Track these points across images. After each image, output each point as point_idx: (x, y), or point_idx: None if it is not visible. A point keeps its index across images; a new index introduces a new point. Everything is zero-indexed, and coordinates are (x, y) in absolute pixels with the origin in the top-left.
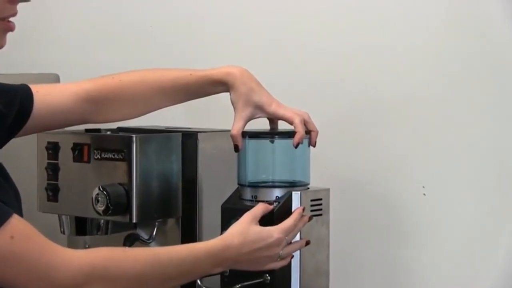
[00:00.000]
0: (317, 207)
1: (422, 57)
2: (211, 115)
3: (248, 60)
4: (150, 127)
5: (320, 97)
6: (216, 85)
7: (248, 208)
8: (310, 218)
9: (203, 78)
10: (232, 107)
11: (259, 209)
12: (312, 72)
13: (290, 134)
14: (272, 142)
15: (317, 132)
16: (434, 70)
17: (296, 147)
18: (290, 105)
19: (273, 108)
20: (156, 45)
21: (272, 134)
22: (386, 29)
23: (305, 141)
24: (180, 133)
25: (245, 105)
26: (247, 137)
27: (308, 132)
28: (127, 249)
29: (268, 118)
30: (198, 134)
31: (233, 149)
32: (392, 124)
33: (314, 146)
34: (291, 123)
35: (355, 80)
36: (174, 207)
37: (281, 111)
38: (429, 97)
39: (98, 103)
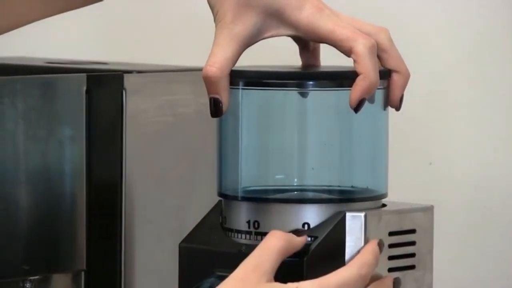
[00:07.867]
0: (405, 248)
1: None
2: (160, 35)
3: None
4: (18, 61)
5: None
6: None
7: (246, 251)
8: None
9: None
10: (212, 17)
11: (274, 244)
12: None
13: (344, 76)
14: (304, 96)
15: (406, 77)
16: None
17: (355, 108)
18: None
19: (307, 17)
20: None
21: (303, 76)
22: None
23: (378, 96)
24: (85, 75)
25: (240, 8)
26: (240, 85)
27: (384, 74)
28: None
29: (297, 41)
30: (126, 76)
31: (209, 113)
32: None
33: (398, 108)
34: (347, 51)
35: None
36: (69, 248)
37: (323, 23)
38: None
39: None
